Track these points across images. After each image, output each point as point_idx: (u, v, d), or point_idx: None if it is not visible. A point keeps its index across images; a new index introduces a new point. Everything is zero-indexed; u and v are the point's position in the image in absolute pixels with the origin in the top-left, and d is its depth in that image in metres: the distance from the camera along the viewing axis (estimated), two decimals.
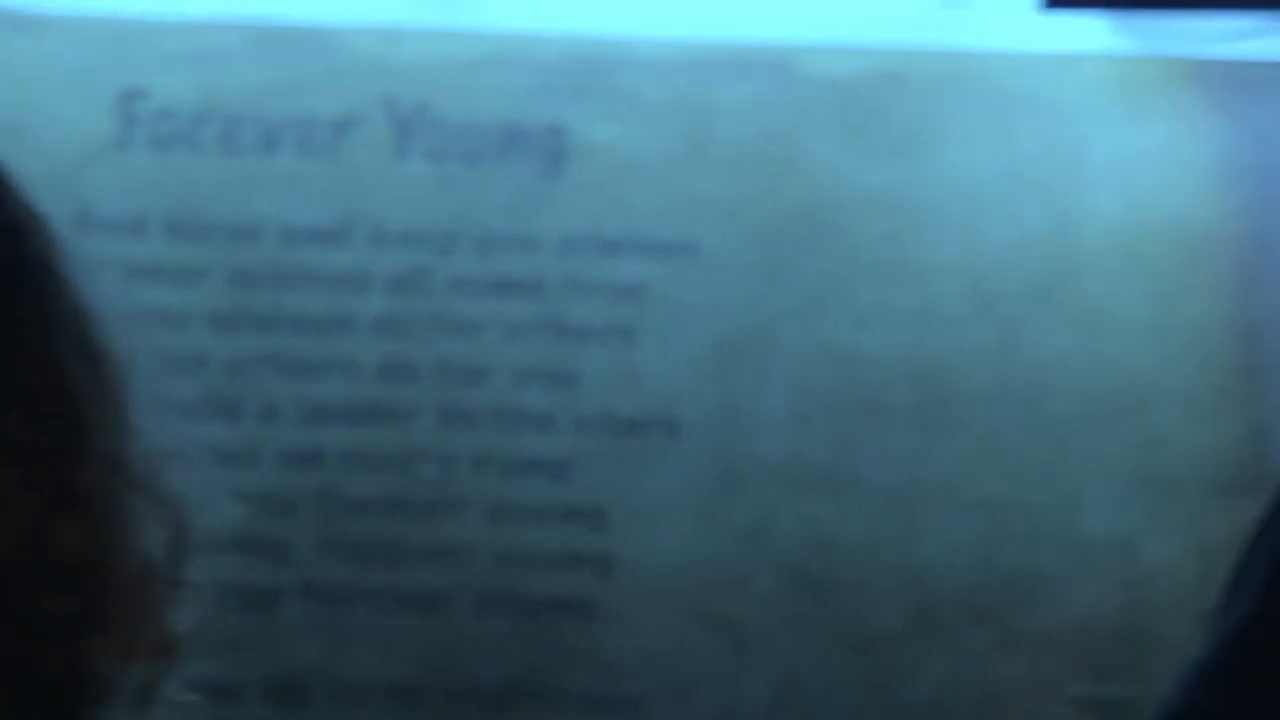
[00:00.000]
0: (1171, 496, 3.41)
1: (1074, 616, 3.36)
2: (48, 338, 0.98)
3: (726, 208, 3.42)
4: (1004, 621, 3.36)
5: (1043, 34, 3.42)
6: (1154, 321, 3.44)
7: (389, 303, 3.46)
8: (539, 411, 3.40)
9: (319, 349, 3.44)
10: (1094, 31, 3.44)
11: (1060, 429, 3.41)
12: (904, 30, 3.45)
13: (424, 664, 3.36)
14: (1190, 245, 3.46)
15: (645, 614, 3.31)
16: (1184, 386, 3.43)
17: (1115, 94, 3.46)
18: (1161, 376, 3.43)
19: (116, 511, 0.98)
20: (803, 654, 3.33)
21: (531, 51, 3.50)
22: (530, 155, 3.46)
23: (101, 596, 0.95)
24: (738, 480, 3.37)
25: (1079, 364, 3.43)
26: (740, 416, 3.38)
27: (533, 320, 3.42)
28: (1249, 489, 3.33)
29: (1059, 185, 3.46)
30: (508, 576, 3.35)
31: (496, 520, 3.38)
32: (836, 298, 3.42)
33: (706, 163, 3.42)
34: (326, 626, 3.37)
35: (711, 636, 3.32)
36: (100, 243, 3.34)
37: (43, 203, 1.05)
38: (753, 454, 3.37)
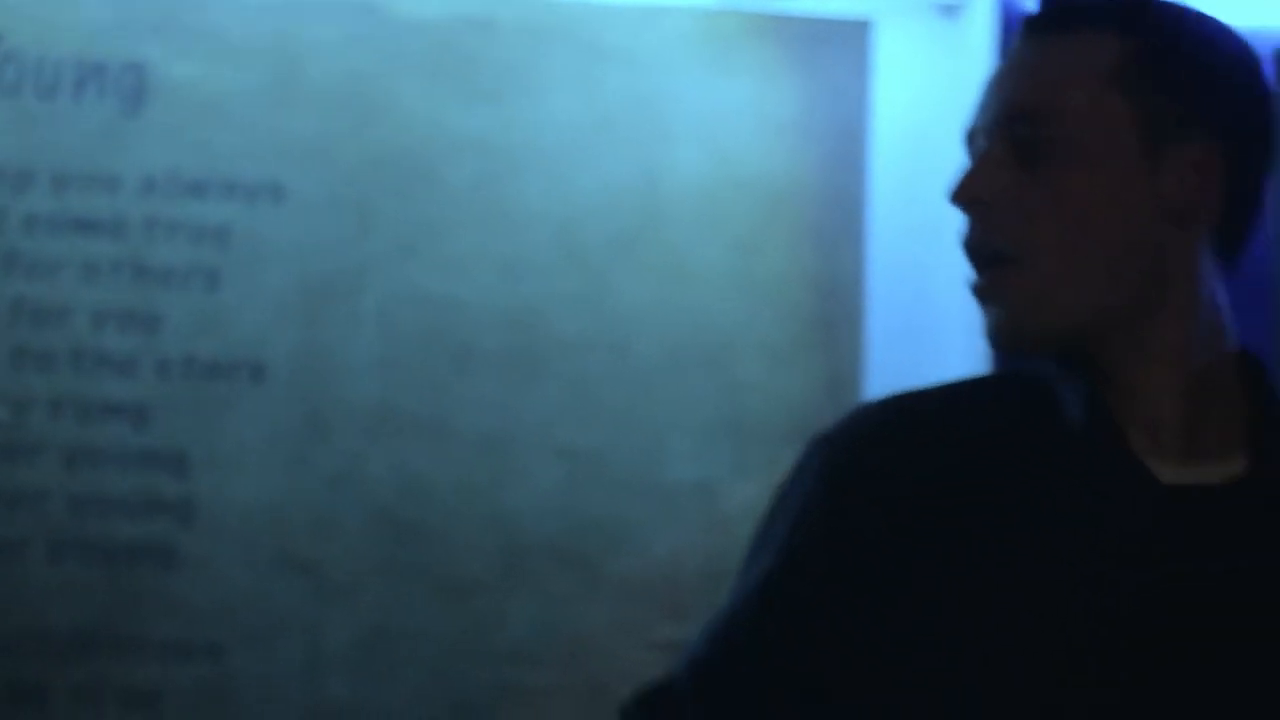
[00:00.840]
0: (751, 443, 3.58)
1: (657, 560, 3.50)
2: None
3: (313, 150, 3.47)
4: (590, 567, 3.49)
5: None
6: (735, 273, 3.61)
7: None
8: (118, 354, 3.40)
9: None
10: None
11: (645, 377, 3.56)
12: None
13: None
14: (770, 199, 3.64)
15: (227, 560, 3.34)
16: (763, 336, 3.61)
17: (699, 48, 3.62)
18: (742, 327, 3.60)
19: None
20: (389, 600, 3.40)
21: None
22: (109, 92, 3.45)
23: None
24: (324, 425, 3.42)
25: (663, 314, 3.58)
26: (327, 361, 3.44)
27: (112, 261, 3.42)
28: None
29: (644, 137, 3.60)
30: (84, 523, 3.34)
31: (73, 465, 3.35)
32: (426, 243, 3.50)
33: (292, 104, 3.47)
34: None
35: (296, 582, 3.37)
36: None
37: None
38: (340, 399, 3.43)
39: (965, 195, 1.47)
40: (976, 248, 1.48)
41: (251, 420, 3.40)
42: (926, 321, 3.66)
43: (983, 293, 1.48)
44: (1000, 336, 1.47)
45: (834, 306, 3.67)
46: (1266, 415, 1.47)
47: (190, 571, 3.34)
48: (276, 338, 3.43)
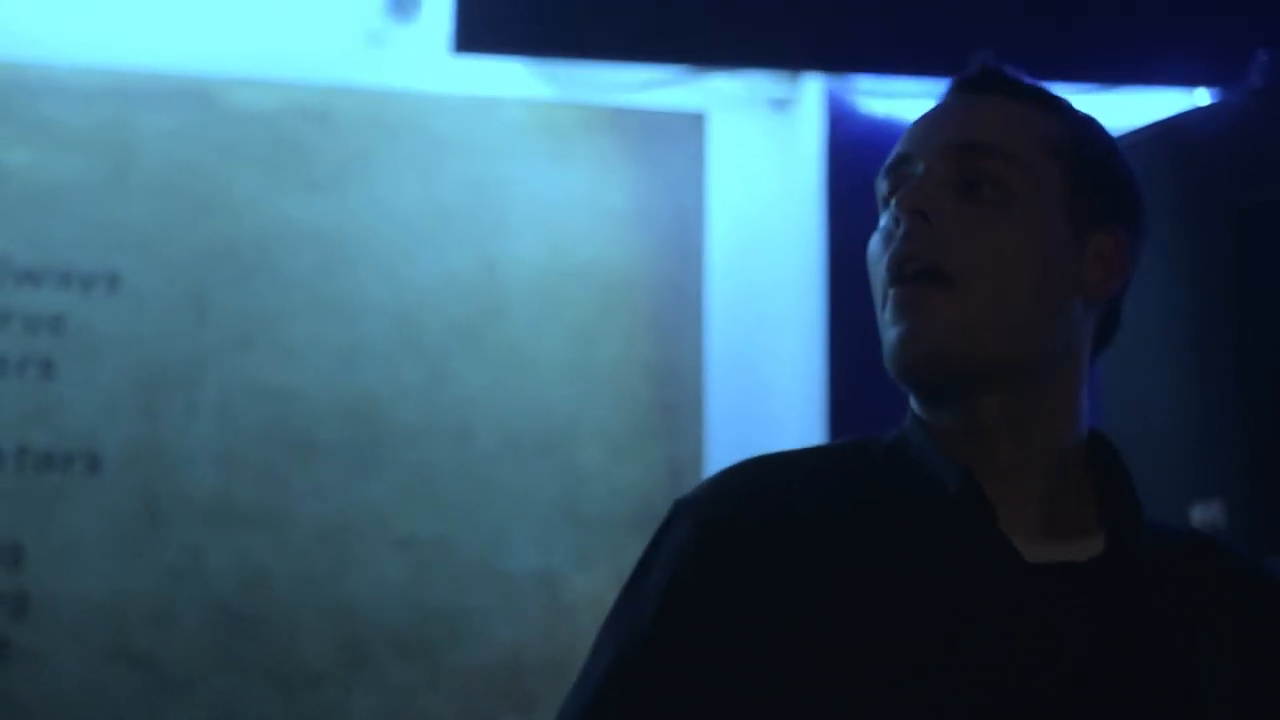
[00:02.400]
0: (593, 531, 3.62)
1: (500, 650, 3.52)
2: None
3: (148, 240, 3.48)
4: (432, 657, 3.50)
5: (464, 77, 3.63)
6: (574, 361, 3.67)
7: None
8: None
9: None
10: (513, 76, 3.66)
11: (486, 466, 3.59)
12: (326, 67, 3.61)
13: None
14: (608, 287, 3.70)
15: (64, 654, 3.31)
16: (602, 424, 3.66)
17: (535, 138, 3.69)
18: (581, 414, 3.65)
19: None
20: (229, 693, 3.38)
21: None
22: None
23: None
24: (162, 517, 3.41)
25: (503, 402, 3.62)
26: (164, 452, 3.43)
27: None
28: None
29: (483, 226, 3.65)
30: None
31: None
32: (264, 333, 3.51)
33: (127, 193, 3.49)
34: None
35: (133, 676, 3.34)
36: None
37: None
38: (178, 490, 3.43)
39: (913, 204, 1.47)
40: (909, 258, 1.46)
41: (87, 512, 3.38)
42: (765, 406, 3.73)
43: (903, 303, 1.46)
44: (907, 352, 1.46)
45: (673, 393, 3.72)
46: (1121, 495, 1.50)
47: (25, 665, 3.30)
48: (112, 428, 3.41)
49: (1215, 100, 3.21)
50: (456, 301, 3.63)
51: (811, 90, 3.71)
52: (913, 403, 1.52)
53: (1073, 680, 1.42)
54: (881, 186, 1.54)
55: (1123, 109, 3.52)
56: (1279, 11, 3.48)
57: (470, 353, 3.63)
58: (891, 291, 1.48)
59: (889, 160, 1.55)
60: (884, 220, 1.51)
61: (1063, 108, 1.55)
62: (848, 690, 1.40)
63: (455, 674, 3.51)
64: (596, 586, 3.57)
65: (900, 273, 1.47)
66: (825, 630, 1.42)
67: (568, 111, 3.73)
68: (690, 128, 3.79)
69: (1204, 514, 2.75)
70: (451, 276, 3.64)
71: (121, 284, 3.47)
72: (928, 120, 1.54)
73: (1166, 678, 1.44)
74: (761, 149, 3.82)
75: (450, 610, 3.53)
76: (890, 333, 1.48)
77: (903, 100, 3.61)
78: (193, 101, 3.55)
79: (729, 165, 3.80)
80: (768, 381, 3.74)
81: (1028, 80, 1.55)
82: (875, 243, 1.51)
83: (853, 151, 3.73)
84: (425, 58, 3.59)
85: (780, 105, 3.82)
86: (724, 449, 3.69)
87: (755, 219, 3.78)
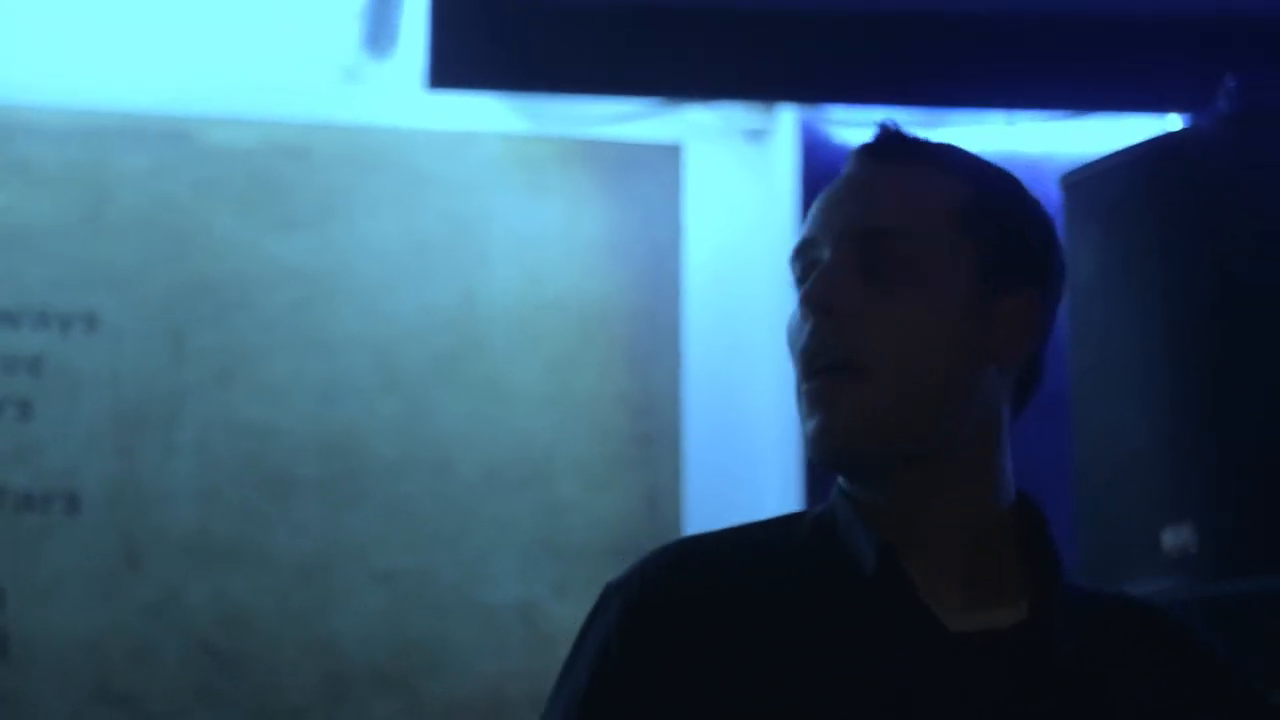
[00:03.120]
0: (572, 562, 3.62)
1: (480, 680, 3.52)
2: None
3: (126, 279, 3.49)
4: (413, 689, 3.51)
5: (440, 112, 3.65)
6: (552, 393, 3.68)
7: None
8: None
9: None
10: (488, 111, 3.66)
11: (465, 498, 3.60)
12: (303, 104, 3.62)
13: None
14: (586, 319, 3.71)
15: (44, 693, 3.32)
16: (582, 455, 3.67)
17: (511, 171, 3.71)
18: (559, 446, 3.66)
19: None
20: None
21: None
22: None
23: None
24: (142, 555, 3.41)
25: (482, 434, 3.63)
26: (144, 490, 3.44)
27: None
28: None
29: (460, 260, 3.66)
30: None
31: None
32: (242, 370, 3.52)
33: (104, 232, 3.50)
34: None
35: (114, 715, 3.36)
36: None
37: None
38: (157, 528, 3.44)
39: (820, 300, 1.46)
40: (817, 353, 1.47)
41: (66, 551, 3.39)
42: (743, 437, 3.74)
43: (816, 398, 1.47)
44: (824, 444, 1.47)
45: (651, 424, 3.73)
46: (1046, 561, 1.50)
47: (7, 705, 3.31)
48: (91, 467, 3.42)
49: (1186, 125, 3.22)
50: (434, 335, 3.64)
51: (786, 121, 3.72)
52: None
53: None
54: (794, 268, 1.54)
55: (1094, 135, 3.55)
56: (1248, 38, 3.51)
57: (449, 385, 3.64)
58: (804, 386, 1.49)
59: (797, 243, 1.54)
60: (794, 309, 1.51)
61: (969, 169, 1.55)
62: None
63: (436, 705, 3.51)
64: (576, 617, 3.49)
65: (810, 368, 1.48)
66: (747, 702, 1.42)
67: (544, 145, 3.74)
68: (666, 159, 3.80)
69: (1174, 537, 2.76)
70: (430, 310, 3.65)
71: (100, 323, 3.48)
72: (832, 200, 1.53)
73: None
74: (737, 179, 3.84)
75: (431, 642, 3.54)
76: (806, 425, 1.49)
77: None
78: (169, 140, 3.56)
79: (705, 195, 3.81)
80: (746, 412, 3.74)
81: (933, 143, 1.55)
82: (789, 329, 1.52)
83: (828, 181, 3.70)
84: (401, 93, 3.61)
85: (755, 136, 3.84)
86: (702, 479, 3.70)
87: (732, 249, 3.79)
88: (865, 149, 1.54)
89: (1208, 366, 2.76)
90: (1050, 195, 2.94)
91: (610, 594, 1.53)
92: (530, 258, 3.71)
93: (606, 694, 1.47)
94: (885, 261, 1.47)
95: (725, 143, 3.84)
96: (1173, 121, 3.45)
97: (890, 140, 1.54)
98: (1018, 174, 1.59)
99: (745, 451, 3.73)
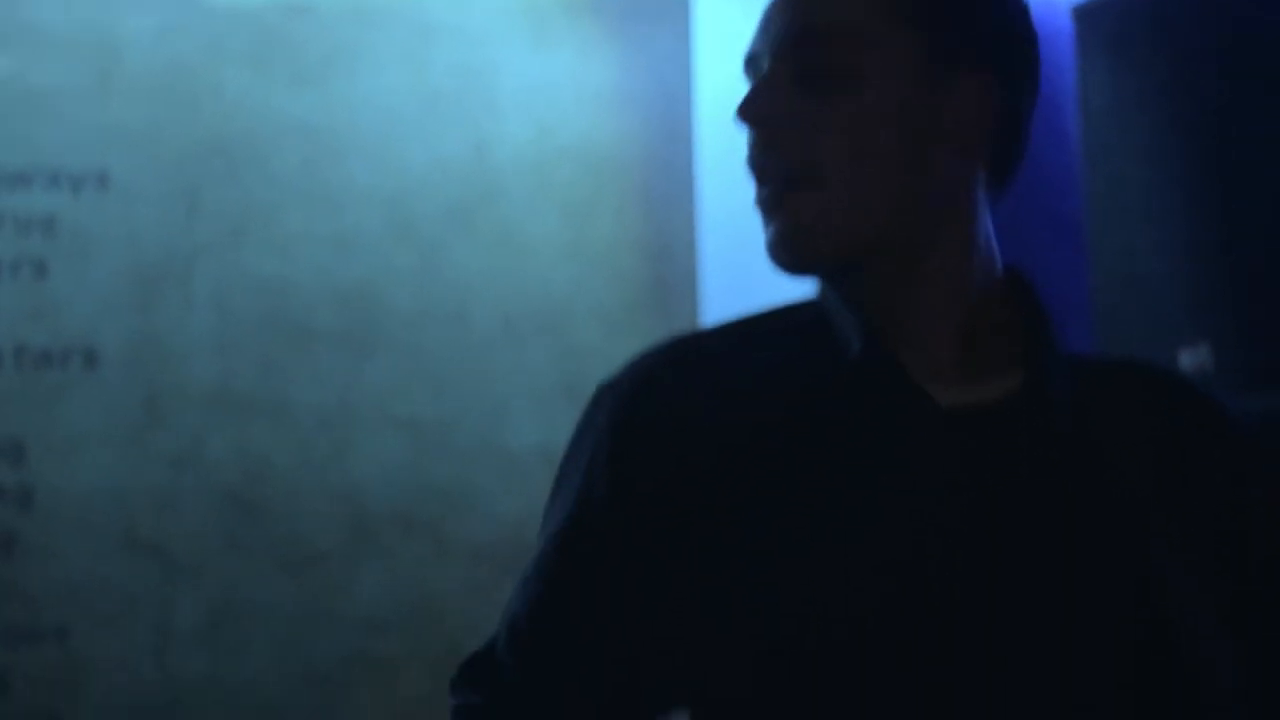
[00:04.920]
0: None
1: (503, 524, 3.54)
2: None
3: (138, 139, 3.50)
4: (436, 533, 3.53)
5: None
6: (567, 241, 3.66)
7: None
8: None
9: None
10: None
11: (483, 346, 3.60)
12: None
13: None
14: (598, 167, 3.69)
15: (69, 545, 3.36)
16: (598, 302, 3.66)
17: (523, 22, 3.67)
18: (577, 293, 3.65)
19: None
20: (236, 575, 3.42)
21: None
22: None
23: None
24: (162, 409, 3.44)
25: (498, 283, 3.62)
26: (162, 345, 3.46)
27: None
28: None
29: (472, 111, 3.64)
30: None
31: None
32: (256, 226, 3.53)
33: (115, 94, 3.50)
34: None
35: (141, 563, 3.39)
36: None
37: None
38: (176, 382, 3.46)
39: (752, 114, 1.46)
40: (764, 166, 1.47)
41: (87, 406, 3.42)
42: (759, 279, 3.70)
43: (769, 209, 1.48)
44: (784, 252, 1.47)
45: (667, 269, 3.72)
46: (1038, 330, 1.49)
47: (32, 558, 3.36)
48: (109, 324, 3.45)
49: None
50: (447, 186, 3.64)
51: None
52: None
53: (989, 517, 1.42)
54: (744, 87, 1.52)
55: None
56: None
57: (463, 236, 3.64)
58: (756, 197, 1.50)
59: (744, 60, 1.54)
60: None
61: None
62: (767, 557, 1.41)
63: (460, 548, 3.54)
64: None
65: (760, 180, 1.49)
66: (744, 513, 1.43)
67: None
68: (674, 4, 3.76)
69: (1191, 357, 2.73)
70: (442, 162, 3.64)
71: (111, 183, 3.50)
72: (771, 9, 1.51)
73: (1087, 508, 1.43)
74: (745, 25, 3.78)
75: (452, 487, 3.56)
76: (766, 232, 1.51)
77: None
78: (175, 1, 3.56)
79: (715, 41, 3.77)
80: (760, 254, 3.71)
81: None
82: None
83: None
84: None
85: None
86: (719, 322, 3.68)
87: (742, 93, 3.75)
88: None
89: (1220, 189, 2.72)
90: (1063, 26, 2.89)
91: (601, 395, 1.55)
92: (541, 107, 3.70)
93: (592, 524, 1.48)
94: (820, 65, 1.45)
95: None
96: None
97: None
98: (1029, 5, 1.55)
99: (761, 293, 3.70)
